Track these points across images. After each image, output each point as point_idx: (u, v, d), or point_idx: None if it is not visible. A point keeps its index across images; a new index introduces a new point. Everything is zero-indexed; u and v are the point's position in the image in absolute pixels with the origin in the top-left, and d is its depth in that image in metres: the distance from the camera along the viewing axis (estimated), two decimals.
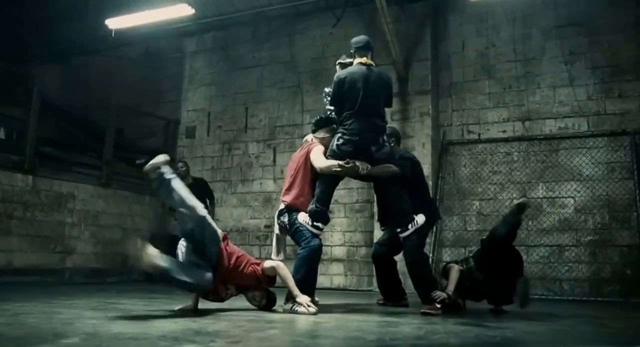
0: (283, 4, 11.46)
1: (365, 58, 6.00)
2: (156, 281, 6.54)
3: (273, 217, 10.69)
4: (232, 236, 11.36)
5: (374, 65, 6.03)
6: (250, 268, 5.31)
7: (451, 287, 5.72)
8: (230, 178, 11.80)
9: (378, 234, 9.69)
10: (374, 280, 9.61)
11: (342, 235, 10.45)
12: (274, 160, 11.40)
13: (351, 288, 10.09)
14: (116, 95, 12.15)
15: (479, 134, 9.93)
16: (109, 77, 13.04)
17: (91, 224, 10.34)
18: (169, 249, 10.87)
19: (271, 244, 10.79)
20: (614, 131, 9.03)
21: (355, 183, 9.80)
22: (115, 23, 10.73)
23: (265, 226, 11.24)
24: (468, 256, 6.48)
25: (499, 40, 10.04)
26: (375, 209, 9.74)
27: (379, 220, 6.92)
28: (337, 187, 9.02)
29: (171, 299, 6.56)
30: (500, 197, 9.55)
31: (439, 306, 5.64)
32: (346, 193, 10.41)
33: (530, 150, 9.53)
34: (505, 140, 9.72)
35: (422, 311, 5.62)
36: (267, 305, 5.45)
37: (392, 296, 6.73)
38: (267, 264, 5.33)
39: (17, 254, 9.05)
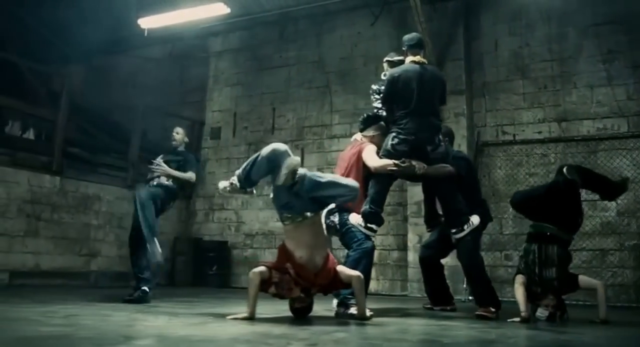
0: (311, 3, 11.28)
1: (418, 56, 5.85)
2: None
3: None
4: (258, 239, 11.24)
5: (426, 63, 5.88)
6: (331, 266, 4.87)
7: (522, 308, 5.23)
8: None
9: (411, 237, 9.57)
10: (408, 285, 9.50)
11: (374, 239, 10.24)
12: (302, 161, 11.17)
13: (383, 293, 9.88)
14: (139, 96, 11.98)
15: (514, 135, 9.71)
16: (133, 77, 12.86)
17: (116, 226, 10.17)
18: (194, 251, 10.81)
19: None
20: None
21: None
22: (147, 22, 10.57)
23: None
24: (520, 260, 5.85)
25: (533, 40, 9.84)
26: (409, 212, 9.67)
27: (425, 221, 6.73)
28: None
29: (207, 303, 6.43)
30: None
31: (493, 309, 5.47)
32: None
33: (567, 151, 9.30)
34: (542, 141, 9.49)
35: (477, 313, 5.47)
36: (309, 308, 5.15)
37: (439, 300, 6.56)
38: (348, 270, 4.88)
39: (44, 256, 8.93)
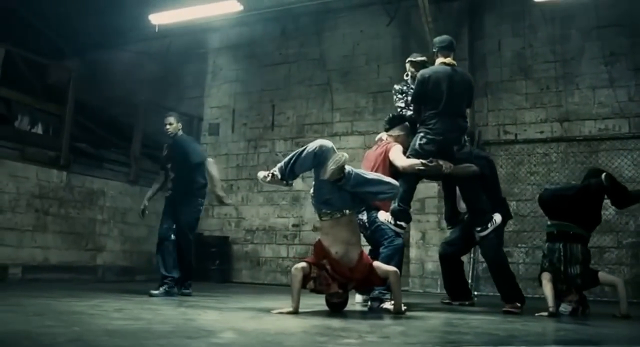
0: (312, 0, 11.28)
1: (449, 58, 5.95)
2: None
3: (301, 217, 10.94)
4: (259, 234, 11.27)
5: (456, 65, 5.98)
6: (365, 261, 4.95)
7: (550, 303, 5.38)
8: (256, 176, 11.62)
9: (414, 233, 9.70)
10: (410, 280, 9.63)
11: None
12: None
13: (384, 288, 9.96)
14: (138, 91, 11.94)
15: (516, 135, 9.87)
16: (130, 72, 12.77)
17: (120, 221, 10.19)
18: (195, 246, 10.83)
19: (299, 243, 10.94)
20: None
21: None
22: (159, 19, 10.49)
23: (293, 225, 11.11)
24: (543, 259, 5.88)
25: (536, 41, 10.00)
26: (411, 209, 9.74)
27: (446, 219, 6.86)
28: None
29: (231, 297, 6.48)
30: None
31: (519, 304, 5.60)
32: None
33: (569, 151, 9.48)
34: (544, 141, 9.65)
35: (504, 309, 5.59)
36: (345, 303, 5.23)
37: (459, 296, 6.67)
38: (385, 266, 4.99)
39: (52, 250, 8.93)
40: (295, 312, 4.51)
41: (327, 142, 4.86)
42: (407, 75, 6.63)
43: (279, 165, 5.06)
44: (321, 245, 4.84)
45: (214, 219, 11.84)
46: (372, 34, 11.08)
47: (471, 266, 9.01)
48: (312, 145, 4.85)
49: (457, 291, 6.71)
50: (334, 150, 4.79)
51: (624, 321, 5.11)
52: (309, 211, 10.99)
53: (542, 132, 9.72)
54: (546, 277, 5.59)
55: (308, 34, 11.73)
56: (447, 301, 6.76)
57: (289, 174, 5.00)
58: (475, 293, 8.27)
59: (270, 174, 5.06)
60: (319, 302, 5.08)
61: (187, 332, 3.12)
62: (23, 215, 8.53)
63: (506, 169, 9.78)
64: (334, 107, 11.16)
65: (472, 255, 9.07)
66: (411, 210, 9.58)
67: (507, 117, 10.00)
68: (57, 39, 13.01)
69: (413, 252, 9.65)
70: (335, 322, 3.98)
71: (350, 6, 11.27)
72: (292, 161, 4.95)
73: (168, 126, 7.14)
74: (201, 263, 10.93)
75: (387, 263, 5.29)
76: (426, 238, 9.89)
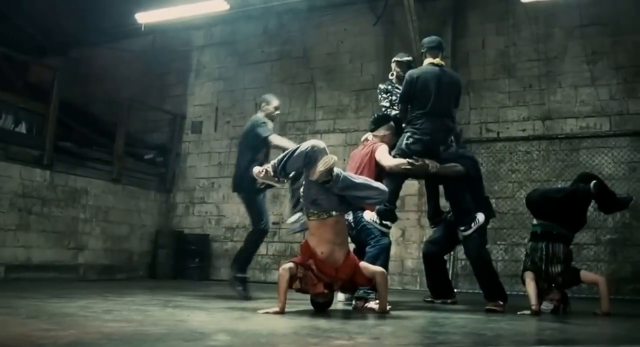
0: None
1: (437, 58, 5.99)
2: None
3: (281, 214, 10.93)
4: (239, 232, 11.27)
5: (444, 65, 6.02)
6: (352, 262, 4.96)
7: (533, 301, 5.46)
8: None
9: (394, 231, 9.70)
10: (389, 278, 9.57)
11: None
12: None
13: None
14: (120, 88, 11.89)
15: (498, 133, 9.94)
16: (113, 70, 12.70)
17: (102, 219, 10.15)
18: (175, 244, 10.84)
19: (279, 241, 10.94)
20: (637, 131, 9.09)
21: None
22: (145, 17, 10.42)
23: (273, 223, 11.05)
24: (526, 258, 5.99)
25: (519, 39, 10.07)
26: None
27: (429, 218, 6.91)
28: None
29: (215, 297, 6.49)
30: (519, 196, 9.56)
31: (501, 303, 5.66)
32: None
33: (550, 149, 9.58)
34: (525, 139, 9.74)
35: (487, 308, 5.63)
36: (330, 302, 5.26)
37: (441, 294, 6.73)
38: (371, 267, 4.99)
39: (35, 250, 8.88)
40: (281, 312, 4.53)
41: (319, 143, 4.88)
42: (392, 75, 6.68)
43: (272, 161, 5.10)
44: (307, 245, 4.86)
45: (195, 216, 11.84)
46: (356, 32, 11.10)
47: (451, 264, 9.10)
48: (305, 145, 4.88)
49: (440, 290, 6.77)
50: (325, 151, 4.81)
51: (607, 319, 5.18)
52: (288, 209, 10.99)
53: (524, 130, 9.81)
54: (529, 276, 5.68)
55: (292, 32, 11.72)
56: (429, 299, 6.82)
57: (281, 171, 5.03)
58: (455, 290, 8.33)
59: (264, 170, 5.09)
60: (302, 300, 5.11)
61: (181, 334, 3.13)
62: (6, 214, 8.47)
63: (487, 166, 9.84)
64: (317, 105, 11.18)
65: (452, 253, 9.16)
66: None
67: (489, 115, 10.07)
68: (40, 37, 12.88)
69: (393, 250, 9.42)
70: (323, 323, 4.00)
71: (334, 4, 11.27)
72: (284, 159, 4.99)
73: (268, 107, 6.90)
74: (181, 261, 10.99)
75: (373, 263, 5.33)
76: (406, 236, 9.95)
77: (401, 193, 9.33)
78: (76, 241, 9.62)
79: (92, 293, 6.24)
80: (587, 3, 9.64)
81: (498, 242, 9.55)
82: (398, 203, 9.53)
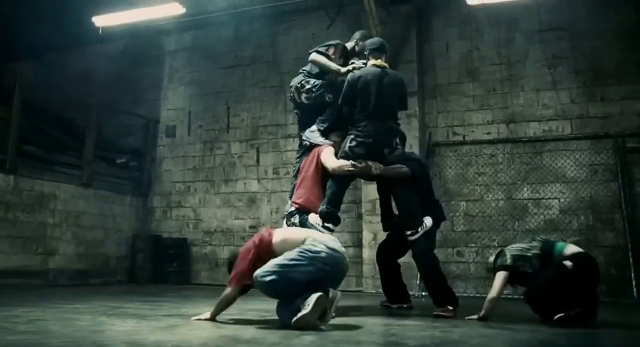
0: (265, 3, 11.35)
1: (379, 60, 6.03)
2: None
3: (258, 218, 11.04)
4: (217, 236, 11.36)
5: (387, 67, 6.07)
6: None
7: (484, 309, 5.31)
8: (213, 178, 11.73)
9: (366, 234, 9.82)
10: (363, 281, 9.76)
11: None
12: (257, 161, 11.37)
13: (339, 288, 10.07)
14: (93, 93, 11.91)
15: (464, 136, 10.04)
16: (86, 74, 12.71)
17: (73, 224, 10.17)
18: (153, 248, 10.87)
19: None
20: (597, 134, 9.21)
21: None
22: (102, 21, 10.46)
23: (250, 227, 11.18)
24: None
25: (482, 44, 10.17)
26: (363, 210, 9.92)
27: (382, 222, 6.93)
28: None
29: (172, 302, 6.55)
30: (487, 198, 9.68)
31: (451, 308, 5.71)
32: None
33: (514, 152, 9.68)
34: (490, 142, 9.85)
35: (434, 313, 5.66)
36: None
37: (396, 298, 6.75)
38: None
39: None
40: (212, 319, 4.61)
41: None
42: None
43: None
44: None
45: (173, 221, 11.92)
46: (324, 37, 11.06)
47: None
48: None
49: (395, 294, 6.78)
50: None
51: (547, 325, 5.07)
52: (264, 213, 11.12)
53: (489, 133, 9.91)
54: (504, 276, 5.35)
55: (262, 36, 11.82)
56: (386, 303, 6.85)
57: None
58: (423, 293, 8.41)
59: None
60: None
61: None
62: None
63: (455, 170, 9.97)
64: (287, 109, 11.23)
65: None
66: (363, 211, 9.86)
67: (455, 119, 10.16)
68: (12, 42, 12.91)
69: (366, 253, 9.76)
70: (248, 332, 4.06)
71: (301, 9, 11.34)
72: None
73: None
74: (160, 265, 11.04)
75: None
76: (377, 239, 9.90)
77: (372, 197, 9.51)
78: (45, 246, 9.62)
79: (44, 300, 6.30)
80: (546, 8, 9.76)
81: (469, 245, 9.66)
82: (369, 207, 9.74)
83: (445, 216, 6.92)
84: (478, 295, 9.12)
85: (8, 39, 12.87)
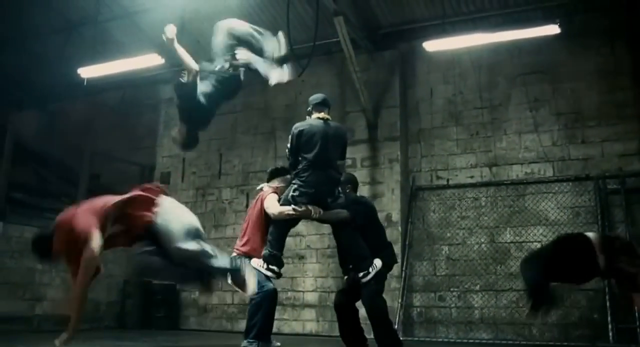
0: None
1: (322, 113, 6.17)
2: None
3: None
4: None
5: (330, 119, 6.19)
6: None
7: None
8: (204, 224, 11.52)
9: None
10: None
11: (314, 280, 10.45)
12: (247, 206, 11.43)
13: (323, 334, 10.03)
14: (93, 141, 12.18)
15: (448, 180, 10.05)
16: (86, 123, 13.03)
17: (63, 270, 10.22)
18: (143, 294, 10.90)
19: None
20: (578, 176, 9.18)
21: (326, 228, 9.76)
22: (87, 72, 10.78)
23: None
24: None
25: (465, 88, 10.25)
26: None
27: (340, 266, 6.91)
28: (310, 233, 9.15)
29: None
30: (469, 242, 9.62)
31: None
32: (318, 239, 10.41)
33: (497, 195, 9.65)
34: (473, 185, 9.84)
35: None
36: None
37: (353, 343, 6.70)
38: None
39: None
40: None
41: None
42: None
43: None
44: None
45: None
46: (313, 84, 11.29)
47: (397, 311, 9.11)
48: None
49: (352, 339, 6.73)
50: None
51: None
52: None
53: (472, 176, 9.92)
54: None
55: (253, 83, 11.87)
56: None
57: None
58: (410, 338, 8.35)
59: None
60: None
61: None
62: None
63: (438, 213, 9.96)
64: (277, 155, 11.34)
65: (399, 300, 9.20)
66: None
67: (439, 163, 10.20)
68: (17, 92, 13.29)
69: None
70: None
71: (292, 57, 11.50)
72: None
73: None
74: (148, 311, 11.08)
75: (256, 309, 5.62)
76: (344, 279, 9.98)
77: None
78: (32, 292, 9.73)
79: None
80: (527, 52, 9.84)
81: (451, 289, 9.57)
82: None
83: (397, 259, 6.91)
84: (459, 340, 9.01)
85: (12, 89, 13.27)
